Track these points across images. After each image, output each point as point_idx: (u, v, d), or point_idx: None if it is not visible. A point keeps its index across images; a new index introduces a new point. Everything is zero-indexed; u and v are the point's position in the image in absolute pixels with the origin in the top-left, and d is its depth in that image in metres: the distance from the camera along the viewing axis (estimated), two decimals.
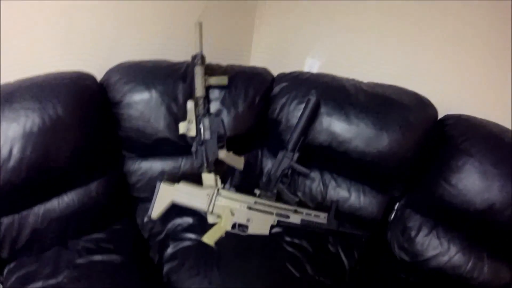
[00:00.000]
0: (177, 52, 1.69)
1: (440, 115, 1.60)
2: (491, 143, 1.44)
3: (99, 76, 1.55)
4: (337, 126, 1.57)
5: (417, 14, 1.73)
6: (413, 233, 1.57)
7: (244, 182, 1.70)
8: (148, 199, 1.52)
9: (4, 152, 1.21)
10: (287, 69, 1.79)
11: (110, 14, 1.62)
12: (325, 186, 1.69)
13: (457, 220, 1.48)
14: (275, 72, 1.81)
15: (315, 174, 1.71)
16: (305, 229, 1.54)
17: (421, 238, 1.55)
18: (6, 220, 1.32)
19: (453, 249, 1.49)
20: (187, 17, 1.67)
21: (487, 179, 1.38)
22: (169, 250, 1.47)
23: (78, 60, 1.56)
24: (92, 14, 1.56)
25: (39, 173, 1.29)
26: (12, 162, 1.22)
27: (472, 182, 1.41)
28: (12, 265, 1.32)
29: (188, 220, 1.57)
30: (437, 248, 1.51)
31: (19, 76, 1.35)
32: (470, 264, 1.46)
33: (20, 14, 1.37)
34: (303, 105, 1.57)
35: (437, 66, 1.74)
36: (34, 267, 1.31)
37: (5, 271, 1.31)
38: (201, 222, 1.55)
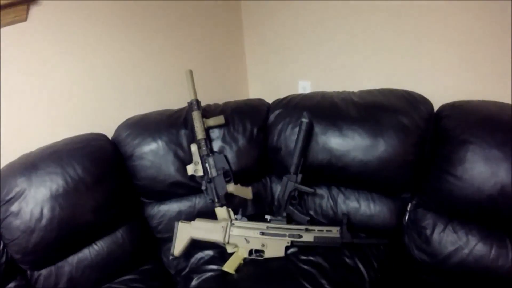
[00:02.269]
0: (178, 97, 1.83)
1: (441, 103, 1.59)
2: (490, 125, 1.41)
3: (111, 134, 1.73)
4: (332, 142, 1.62)
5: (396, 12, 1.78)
6: (428, 232, 1.55)
7: (257, 210, 1.79)
8: (171, 238, 1.63)
9: (36, 213, 1.41)
10: (284, 95, 1.87)
11: (114, 78, 1.84)
12: (334, 200, 1.73)
13: (471, 210, 1.44)
14: (273, 99, 1.89)
15: (323, 191, 1.76)
16: (320, 245, 1.59)
17: (437, 235, 1.52)
18: (44, 272, 1.51)
19: (473, 241, 1.45)
20: (183, 64, 1.84)
21: (492, 163, 1.34)
22: (194, 282, 1.56)
23: (91, 122, 1.76)
24: (98, 81, 1.78)
25: (69, 228, 1.47)
26: (44, 221, 1.41)
27: (478, 170, 1.37)
28: None
29: (209, 253, 1.67)
30: (455, 242, 1.48)
31: (39, 145, 1.56)
32: (493, 252, 1.41)
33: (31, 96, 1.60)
34: (297, 129, 1.64)
35: (428, 58, 1.77)
36: None
37: None
38: (221, 254, 1.64)
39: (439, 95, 1.61)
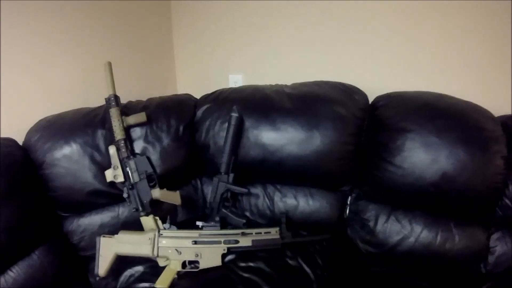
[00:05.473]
0: (100, 95, 1.59)
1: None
2: (427, 113, 1.41)
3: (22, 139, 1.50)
4: (265, 137, 1.52)
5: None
6: (371, 224, 1.54)
7: (189, 216, 1.64)
8: (95, 256, 1.45)
9: None
10: (215, 89, 1.75)
11: (26, 75, 1.56)
12: (271, 199, 1.64)
13: (414, 198, 1.45)
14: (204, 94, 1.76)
15: (258, 190, 1.66)
16: (260, 249, 1.47)
17: (381, 226, 1.52)
18: None
19: (417, 228, 1.47)
20: (104, 57, 1.62)
21: (432, 150, 1.35)
22: None
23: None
24: (6, 78, 1.48)
25: None
26: None
27: (418, 158, 1.38)
28: None
29: (139, 268, 1.48)
30: (400, 232, 1.48)
31: None
32: (439, 238, 1.43)
33: None
34: (227, 124, 1.51)
35: (362, 52, 1.75)
36: None
37: None
38: (153, 268, 1.46)
39: (372, 90, 1.60)
